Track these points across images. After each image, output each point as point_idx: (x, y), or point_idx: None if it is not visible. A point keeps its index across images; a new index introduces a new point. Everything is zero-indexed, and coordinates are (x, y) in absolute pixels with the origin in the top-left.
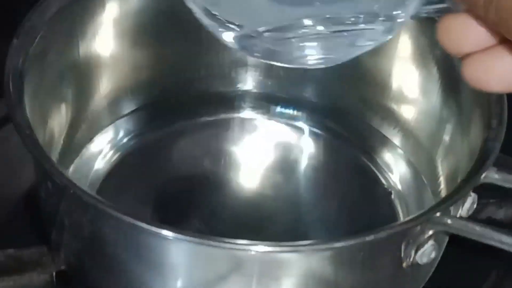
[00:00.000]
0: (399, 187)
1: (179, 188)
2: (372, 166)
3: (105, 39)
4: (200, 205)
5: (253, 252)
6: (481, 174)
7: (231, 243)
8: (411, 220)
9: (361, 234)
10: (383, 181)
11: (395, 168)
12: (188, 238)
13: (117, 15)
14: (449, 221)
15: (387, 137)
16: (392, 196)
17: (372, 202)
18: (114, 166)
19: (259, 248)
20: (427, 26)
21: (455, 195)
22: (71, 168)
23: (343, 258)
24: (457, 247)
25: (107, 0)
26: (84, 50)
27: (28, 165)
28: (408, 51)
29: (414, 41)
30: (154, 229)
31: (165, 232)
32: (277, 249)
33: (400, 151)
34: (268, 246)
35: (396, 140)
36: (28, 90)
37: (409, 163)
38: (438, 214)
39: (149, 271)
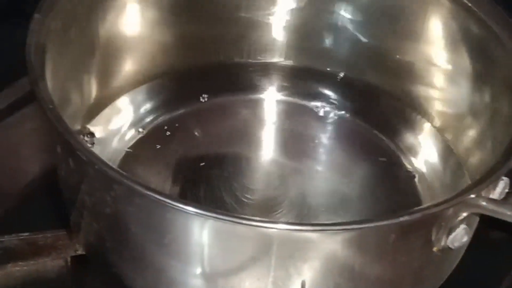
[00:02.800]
0: (424, 171)
1: (197, 167)
2: (395, 150)
3: (127, 16)
4: (219, 184)
5: (278, 231)
6: None
7: (256, 220)
8: (445, 202)
9: (394, 214)
10: (407, 164)
11: (420, 152)
12: (212, 214)
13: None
14: (483, 203)
15: (411, 121)
16: (416, 180)
17: (395, 185)
18: (134, 145)
19: (284, 226)
20: (458, 11)
21: (490, 177)
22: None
23: (373, 240)
24: (478, 240)
25: None
26: (106, 26)
27: (40, 151)
28: (438, 36)
29: (445, 26)
30: (180, 205)
31: (190, 208)
32: (305, 228)
33: (424, 135)
34: (296, 225)
35: (420, 124)
36: (50, 65)
37: (434, 148)
38: (472, 196)
39: (171, 250)
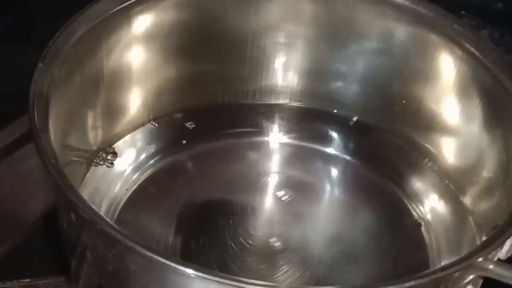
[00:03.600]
0: (429, 219)
1: (201, 213)
2: (402, 196)
3: (130, 57)
4: (222, 230)
5: None
6: None
7: (257, 285)
8: (452, 265)
9: (400, 280)
10: (413, 212)
11: (426, 200)
12: (213, 277)
13: (143, 32)
14: (491, 266)
15: (418, 167)
16: (422, 228)
17: (401, 234)
18: (135, 188)
19: None
20: (467, 58)
21: (498, 239)
22: (92, 191)
23: None
24: None
25: (134, 17)
26: (109, 70)
27: (43, 188)
28: (447, 81)
29: (454, 71)
30: (179, 267)
31: (189, 271)
32: None
33: (430, 182)
34: None
35: (427, 170)
36: (53, 115)
37: (440, 196)
38: (480, 259)
39: None
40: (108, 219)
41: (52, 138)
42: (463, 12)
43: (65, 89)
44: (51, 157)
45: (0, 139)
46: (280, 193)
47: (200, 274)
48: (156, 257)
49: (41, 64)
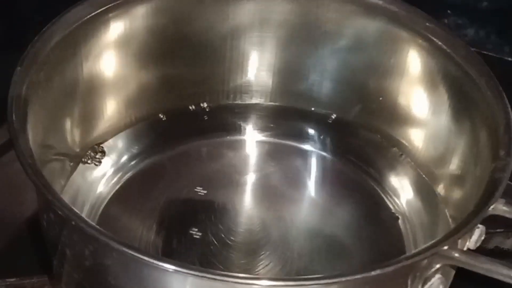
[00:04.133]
0: (406, 212)
1: (182, 211)
2: (379, 190)
3: (109, 61)
4: (204, 227)
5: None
6: (489, 206)
7: (234, 277)
8: (418, 254)
9: (367, 268)
10: (390, 205)
11: (402, 193)
12: (191, 271)
13: (121, 36)
14: (456, 255)
15: (394, 161)
16: (399, 221)
17: (379, 227)
18: (117, 188)
19: (263, 282)
20: (436, 53)
21: (463, 228)
22: (75, 191)
23: None
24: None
25: (111, 21)
26: (88, 73)
27: (30, 191)
28: (417, 73)
29: (423, 63)
30: (155, 262)
31: (167, 265)
32: (281, 283)
33: (406, 176)
34: (272, 281)
35: (403, 164)
36: (32, 117)
37: (416, 189)
38: (445, 247)
39: None
40: (83, 216)
41: (30, 138)
42: (449, 11)
43: (44, 92)
44: (28, 156)
45: None
46: (259, 190)
47: (176, 268)
48: (129, 251)
49: (19, 67)
